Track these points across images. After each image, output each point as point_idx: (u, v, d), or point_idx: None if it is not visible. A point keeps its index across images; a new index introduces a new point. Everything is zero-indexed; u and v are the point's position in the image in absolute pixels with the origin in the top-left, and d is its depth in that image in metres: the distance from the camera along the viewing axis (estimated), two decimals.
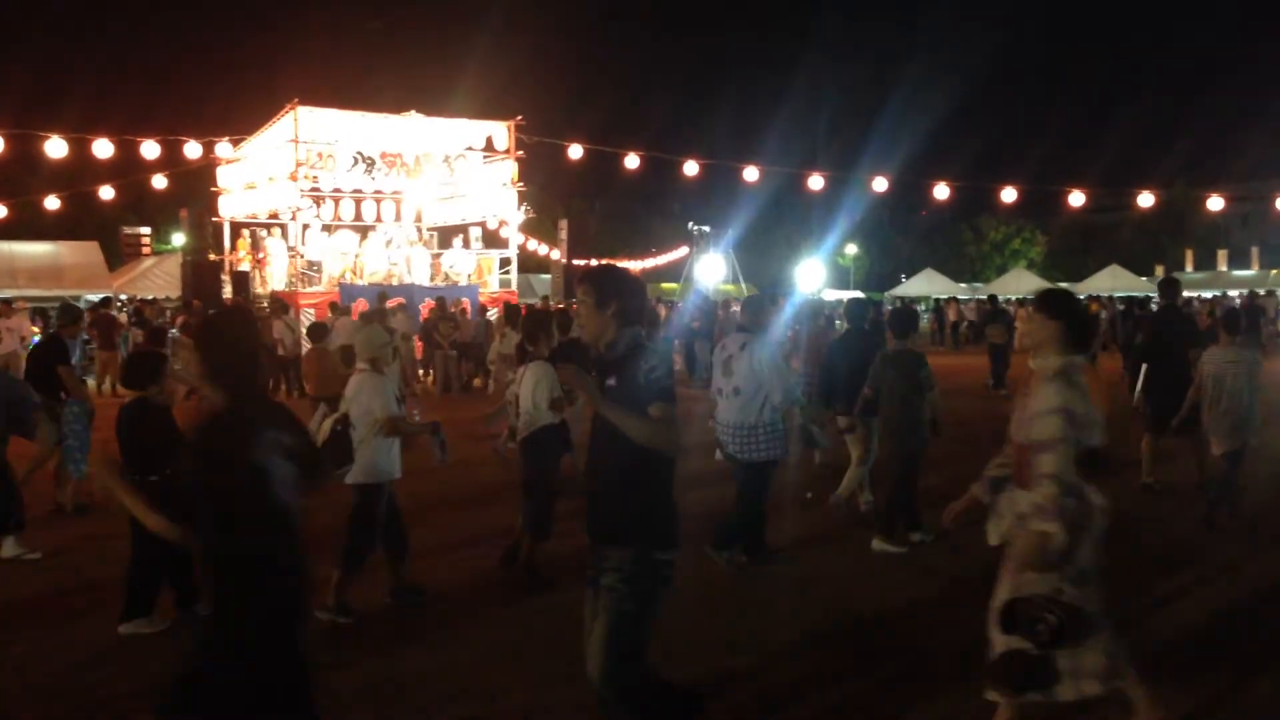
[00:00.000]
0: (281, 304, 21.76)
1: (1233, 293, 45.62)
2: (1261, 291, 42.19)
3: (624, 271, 4.39)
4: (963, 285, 58.74)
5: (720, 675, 5.65)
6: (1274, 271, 55.03)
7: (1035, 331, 4.68)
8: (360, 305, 22.36)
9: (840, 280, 69.14)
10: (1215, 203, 27.93)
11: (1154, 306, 20.20)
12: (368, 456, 6.52)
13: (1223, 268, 59.20)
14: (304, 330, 21.83)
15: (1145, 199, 26.83)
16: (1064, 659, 4.37)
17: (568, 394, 7.34)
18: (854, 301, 11.10)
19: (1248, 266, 60.54)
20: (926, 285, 52.82)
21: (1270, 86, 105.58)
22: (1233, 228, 77.18)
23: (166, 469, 6.14)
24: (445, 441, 6.87)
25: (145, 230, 39.38)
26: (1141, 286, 51.07)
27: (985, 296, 33.62)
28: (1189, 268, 62.14)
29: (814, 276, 48.35)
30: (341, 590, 6.66)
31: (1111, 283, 51.01)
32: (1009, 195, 26.55)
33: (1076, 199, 25.87)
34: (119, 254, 37.54)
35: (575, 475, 6.99)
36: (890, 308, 13.31)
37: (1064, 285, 55.56)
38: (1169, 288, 11.29)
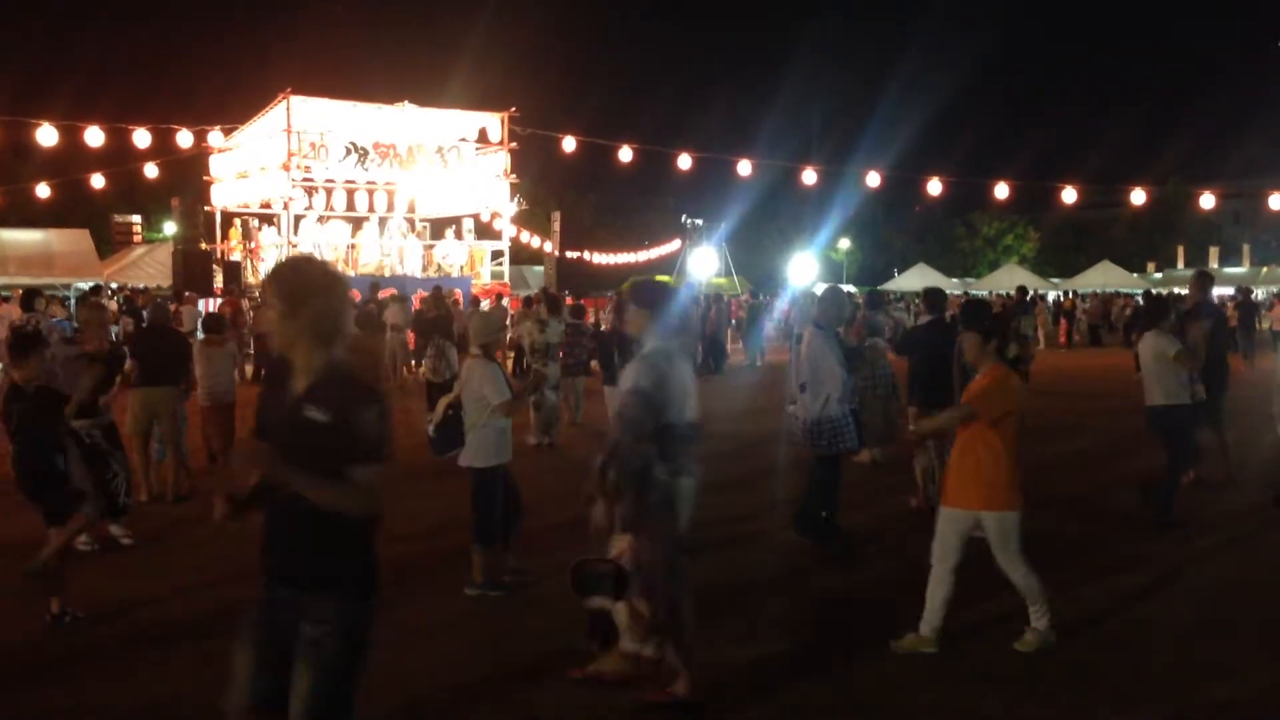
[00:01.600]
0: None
1: (1224, 290, 45.66)
2: (1258, 291, 42.33)
3: (317, 267, 3.56)
4: (954, 280, 58.82)
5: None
6: (1265, 269, 55.22)
7: (630, 319, 5.22)
8: (353, 296, 22.31)
9: (833, 274, 69.13)
10: (1207, 200, 27.93)
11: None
12: (481, 440, 6.73)
13: (1214, 264, 59.33)
14: None
15: (1138, 196, 26.83)
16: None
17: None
18: (934, 290, 10.52)
19: (1239, 263, 60.74)
20: (919, 280, 52.71)
21: (1263, 86, 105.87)
22: (1224, 225, 77.32)
23: None
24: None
25: (136, 219, 39.20)
26: (1133, 283, 51.20)
27: (1014, 289, 33.46)
28: (1180, 264, 62.26)
29: (807, 270, 48.30)
30: (487, 568, 6.87)
31: (1103, 279, 51.14)
32: (1002, 191, 26.54)
33: (1069, 195, 25.87)
34: (110, 242, 37.39)
35: None
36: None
37: (1056, 280, 55.82)
38: (1202, 283, 11.26)
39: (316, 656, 3.34)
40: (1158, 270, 61.15)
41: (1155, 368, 8.48)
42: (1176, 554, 7.93)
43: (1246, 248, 63.88)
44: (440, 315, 15.15)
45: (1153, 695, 5.37)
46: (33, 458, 6.45)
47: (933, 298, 10.08)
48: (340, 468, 3.28)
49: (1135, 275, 55.05)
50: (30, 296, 14.04)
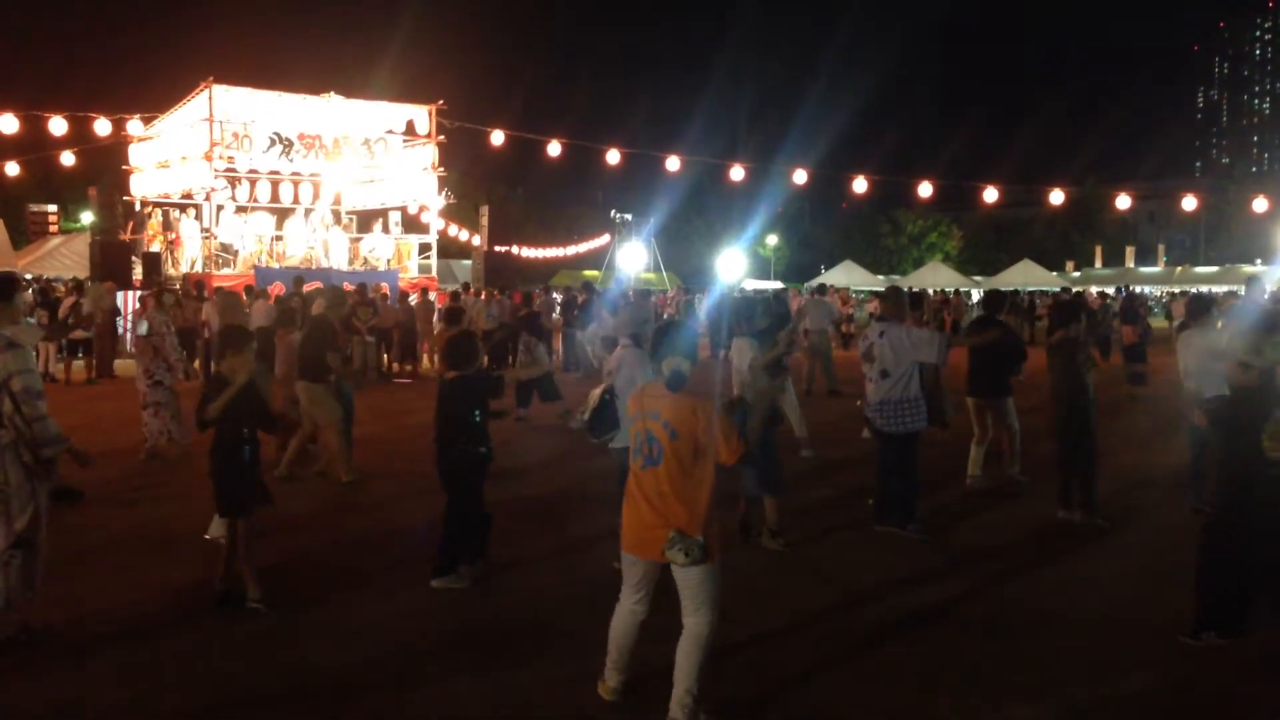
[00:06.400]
0: (197, 286, 21.33)
1: (1138, 288, 46.83)
2: (1176, 290, 43.41)
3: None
4: (880, 277, 59.61)
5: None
6: (1178, 269, 56.71)
7: None
8: (276, 289, 22.02)
9: (761, 270, 69.69)
10: (1123, 201, 28.59)
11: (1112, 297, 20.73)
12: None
13: (1130, 264, 60.82)
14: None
15: (1056, 196, 27.39)
16: None
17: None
18: (992, 292, 11.81)
19: (1154, 263, 62.32)
20: (845, 276, 53.44)
21: (1178, 89, 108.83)
22: (1140, 225, 79.34)
23: (490, 442, 7.09)
24: None
25: (52, 208, 38.34)
26: (1052, 281, 52.24)
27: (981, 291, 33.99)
28: (1098, 263, 63.73)
29: (735, 266, 48.65)
30: None
31: (1024, 277, 52.16)
32: (925, 189, 26.91)
33: (991, 194, 26.32)
34: (25, 232, 36.51)
35: None
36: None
37: (978, 279, 56.78)
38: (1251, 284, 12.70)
39: None
40: (1076, 269, 62.50)
41: (1200, 363, 8.84)
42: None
43: (1161, 247, 65.59)
44: (531, 312, 15.19)
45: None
46: (231, 447, 6.50)
47: (991, 299, 11.24)
48: None
49: (1055, 274, 56.19)
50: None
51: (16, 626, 5.88)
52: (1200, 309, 9.60)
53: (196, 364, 20.25)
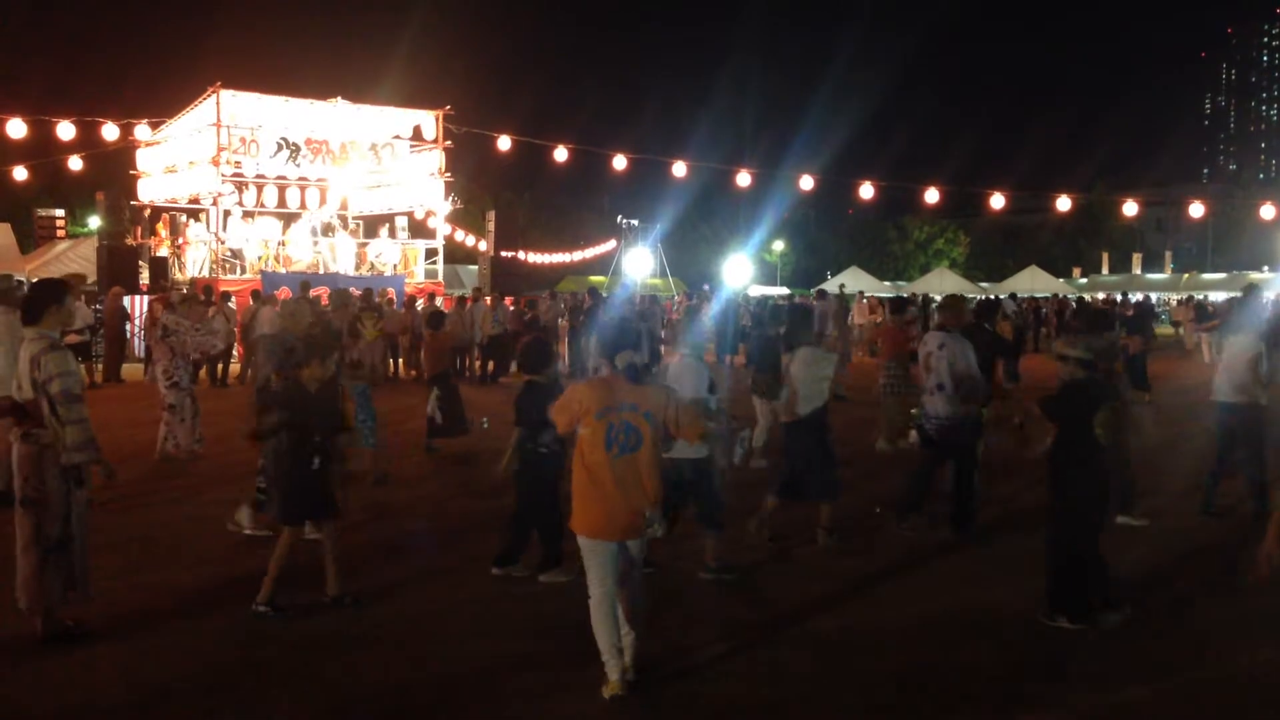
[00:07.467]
0: (206, 292, 21.38)
1: (1152, 295, 46.72)
2: (1174, 297, 43.24)
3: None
4: (887, 283, 59.49)
5: (714, 655, 5.68)
6: (1185, 276, 56.54)
7: None
8: (283, 294, 22.04)
9: (767, 276, 69.64)
10: (1130, 207, 28.57)
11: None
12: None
13: (1137, 270, 60.68)
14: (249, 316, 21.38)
15: (1063, 202, 27.37)
16: None
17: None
18: (986, 300, 12.36)
19: (1161, 270, 62.17)
20: (851, 283, 53.30)
21: (1185, 96, 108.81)
22: (1147, 231, 79.20)
23: (557, 442, 7.03)
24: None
25: (60, 213, 38.39)
26: (1059, 287, 52.11)
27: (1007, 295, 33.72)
28: (1105, 270, 63.60)
29: (741, 272, 48.59)
30: (719, 552, 7.32)
31: (1031, 283, 52.02)
32: (932, 196, 26.87)
33: (998, 201, 26.27)
34: (32, 237, 36.61)
35: None
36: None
37: (985, 285, 56.68)
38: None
39: None
40: (1083, 275, 62.38)
41: (1235, 366, 8.89)
42: None
43: (1168, 254, 65.44)
44: (534, 316, 15.29)
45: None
46: (296, 455, 6.46)
47: (983, 308, 11.36)
48: None
49: (1061, 280, 56.06)
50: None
51: (56, 625, 5.94)
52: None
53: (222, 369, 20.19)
